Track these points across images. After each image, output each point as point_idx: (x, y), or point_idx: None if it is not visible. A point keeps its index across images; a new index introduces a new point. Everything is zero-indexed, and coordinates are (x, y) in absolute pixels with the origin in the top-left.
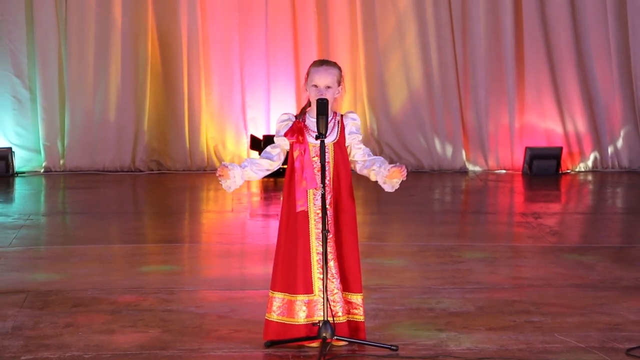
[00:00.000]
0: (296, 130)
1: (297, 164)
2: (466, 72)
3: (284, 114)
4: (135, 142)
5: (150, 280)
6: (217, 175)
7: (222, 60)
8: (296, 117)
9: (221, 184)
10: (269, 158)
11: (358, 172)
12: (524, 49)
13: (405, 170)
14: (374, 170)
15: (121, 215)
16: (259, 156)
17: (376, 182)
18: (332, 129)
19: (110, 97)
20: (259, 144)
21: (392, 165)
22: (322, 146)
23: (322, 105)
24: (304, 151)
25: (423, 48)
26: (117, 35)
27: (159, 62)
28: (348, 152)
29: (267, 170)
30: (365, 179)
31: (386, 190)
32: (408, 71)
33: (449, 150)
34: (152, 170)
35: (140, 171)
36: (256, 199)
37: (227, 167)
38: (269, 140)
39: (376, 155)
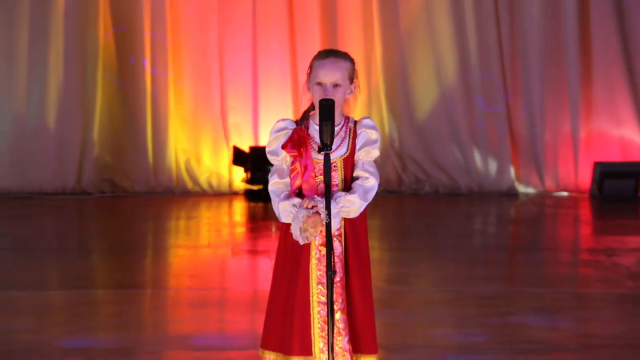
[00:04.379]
0: (297, 140)
1: (292, 182)
2: (515, 62)
3: (281, 120)
4: (81, 155)
5: (101, 338)
6: (311, 229)
7: (196, 48)
8: (297, 123)
9: (299, 234)
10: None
11: None
12: (590, 32)
13: (317, 221)
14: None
15: (62, 252)
16: (283, 196)
17: (398, 207)
18: (342, 140)
19: (49, 97)
20: (244, 159)
21: (311, 206)
22: (327, 161)
23: (326, 108)
24: (305, 168)
25: (458, 32)
26: (58, 18)
27: (114, 52)
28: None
29: None
30: (382, 204)
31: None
32: (439, 62)
33: (493, 166)
34: (104, 193)
35: (89, 194)
36: (240, 229)
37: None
38: (256, 153)
39: (404, 174)
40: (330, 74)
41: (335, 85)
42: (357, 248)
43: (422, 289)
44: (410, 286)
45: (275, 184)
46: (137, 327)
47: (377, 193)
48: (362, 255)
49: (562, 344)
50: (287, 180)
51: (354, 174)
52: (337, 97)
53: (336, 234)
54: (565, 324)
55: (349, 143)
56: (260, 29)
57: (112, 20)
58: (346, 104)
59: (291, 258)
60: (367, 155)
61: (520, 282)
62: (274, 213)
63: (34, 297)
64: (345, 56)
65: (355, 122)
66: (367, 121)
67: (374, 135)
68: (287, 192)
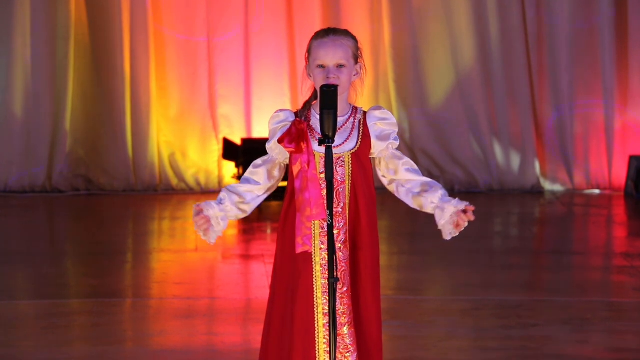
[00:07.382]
0: (295, 134)
1: (297, 184)
2: (541, 44)
3: (279, 111)
4: (52, 149)
5: (75, 353)
6: (195, 228)
7: (181, 27)
8: (297, 114)
9: (200, 236)
10: (248, 182)
11: (397, 195)
12: (627, 15)
13: (471, 214)
14: (432, 203)
15: (31, 257)
16: (233, 186)
17: (409, 206)
18: (350, 132)
19: (15, 83)
20: (235, 152)
21: (456, 206)
22: (329, 155)
23: (328, 95)
24: (308, 164)
25: (477, 10)
26: None
27: (87, 29)
28: (378, 167)
29: (253, 200)
30: (391, 202)
31: (444, 236)
32: (455, 45)
33: (516, 160)
34: (78, 191)
35: (61, 192)
36: (232, 232)
37: (201, 208)
38: (249, 146)
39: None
40: (332, 54)
41: (340, 66)
42: (367, 256)
43: (435, 297)
44: (422, 294)
45: (248, 172)
46: (116, 341)
47: (384, 190)
48: (372, 263)
49: (592, 358)
50: (257, 170)
51: (405, 175)
52: (342, 79)
53: (338, 245)
54: (596, 337)
55: (359, 136)
56: (254, 7)
57: None
58: (352, 87)
59: (289, 262)
60: (391, 146)
61: (545, 290)
62: (269, 213)
63: (0, 307)
64: (346, 33)
65: (365, 113)
66: (380, 112)
67: (394, 125)
68: (237, 185)
